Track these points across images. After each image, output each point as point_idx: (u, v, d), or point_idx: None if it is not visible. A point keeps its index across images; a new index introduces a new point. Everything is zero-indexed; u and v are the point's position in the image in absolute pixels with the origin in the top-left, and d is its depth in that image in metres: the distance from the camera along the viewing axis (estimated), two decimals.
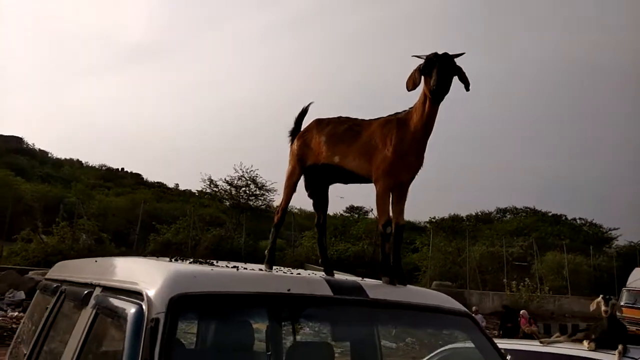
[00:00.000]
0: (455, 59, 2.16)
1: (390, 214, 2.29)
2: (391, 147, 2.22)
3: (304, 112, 2.73)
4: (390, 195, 2.31)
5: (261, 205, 25.60)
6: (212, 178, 24.94)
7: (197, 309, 1.60)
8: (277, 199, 25.43)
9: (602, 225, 32.70)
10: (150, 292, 1.49)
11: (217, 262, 2.35)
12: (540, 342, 4.07)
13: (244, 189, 24.76)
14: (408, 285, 2.28)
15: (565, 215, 34.78)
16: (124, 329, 1.48)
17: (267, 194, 24.92)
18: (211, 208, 26.98)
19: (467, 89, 2.20)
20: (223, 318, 1.75)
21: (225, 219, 25.22)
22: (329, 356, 2.50)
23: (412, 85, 2.22)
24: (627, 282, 19.82)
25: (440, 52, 2.15)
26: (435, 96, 2.10)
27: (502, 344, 4.54)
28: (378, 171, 2.25)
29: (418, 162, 2.29)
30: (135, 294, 1.56)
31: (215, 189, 25.68)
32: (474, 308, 14.61)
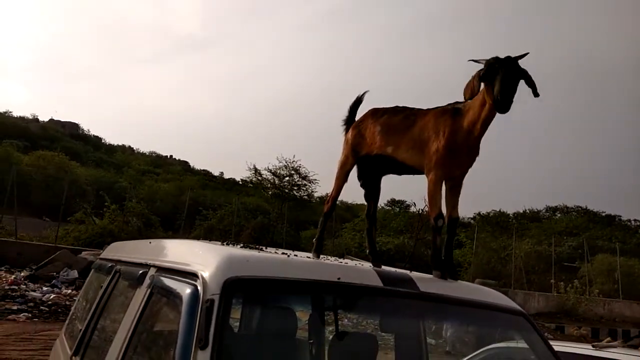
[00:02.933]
0: (520, 61, 2.00)
1: (444, 207, 2.24)
2: (444, 140, 2.15)
3: (358, 101, 2.68)
4: (443, 188, 2.25)
5: (303, 195, 25.81)
6: (257, 167, 25.35)
7: (249, 293, 1.61)
8: (319, 190, 25.59)
9: None
10: (205, 273, 1.51)
11: (266, 248, 2.37)
12: (593, 346, 3.88)
13: (287, 178, 25.01)
14: (459, 281, 2.22)
15: (620, 216, 33.19)
16: (179, 309, 1.51)
17: (309, 184, 25.09)
18: (255, 197, 27.46)
19: (536, 94, 2.03)
20: (273, 303, 1.77)
21: (268, 208, 25.60)
22: (373, 347, 2.48)
23: (470, 94, 2.09)
24: None
25: (502, 56, 1.98)
26: (500, 107, 1.94)
27: (553, 346, 4.37)
28: (430, 163, 2.19)
29: (472, 156, 2.21)
30: (190, 275, 1.59)
31: (259, 177, 26.10)
32: None
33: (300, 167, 24.55)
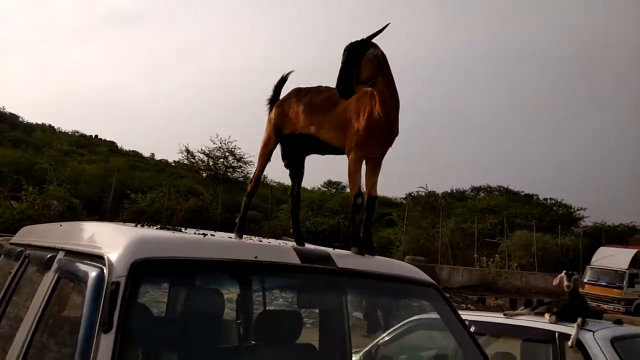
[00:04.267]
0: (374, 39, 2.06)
1: (364, 186, 2.30)
2: (364, 120, 2.21)
3: (283, 80, 2.68)
4: (364, 168, 2.31)
5: (239, 177, 25.46)
6: (189, 149, 24.61)
7: (161, 275, 1.58)
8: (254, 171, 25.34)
9: (571, 205, 33.70)
10: (112, 256, 1.46)
11: (186, 229, 2.32)
12: (504, 315, 4.20)
13: (221, 160, 24.53)
14: (377, 256, 2.30)
15: (537, 195, 35.72)
16: (84, 292, 1.45)
17: (245, 166, 24.75)
18: (188, 179, 26.70)
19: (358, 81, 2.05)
20: (188, 284, 1.74)
21: (202, 190, 25.03)
22: (298, 324, 2.53)
23: None
24: (592, 261, 20.64)
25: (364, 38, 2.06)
26: (339, 93, 2.05)
27: (468, 315, 4.68)
28: (351, 143, 2.24)
29: (391, 136, 2.27)
30: (97, 258, 1.53)
31: (192, 159, 25.40)
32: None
33: (235, 148, 24.10)
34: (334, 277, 1.96)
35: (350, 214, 2.30)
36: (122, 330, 1.28)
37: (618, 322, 4.22)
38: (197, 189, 25.41)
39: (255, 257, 1.73)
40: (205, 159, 24.74)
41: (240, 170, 25.00)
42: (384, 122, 2.18)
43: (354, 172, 2.23)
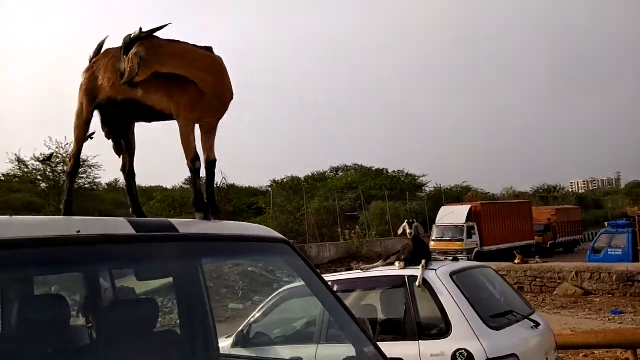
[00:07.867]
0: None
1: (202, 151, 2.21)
2: (192, 84, 2.09)
3: (99, 48, 2.42)
4: (199, 132, 2.23)
5: (85, 184, 23.11)
6: (20, 157, 21.58)
7: None
8: (104, 176, 23.23)
9: (415, 174, 37.37)
10: None
11: None
12: (361, 270, 4.49)
13: (61, 166, 21.97)
14: (225, 221, 2.24)
15: (387, 169, 38.88)
16: None
17: (91, 170, 22.52)
18: (22, 193, 23.45)
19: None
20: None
21: (43, 203, 22.19)
22: (154, 311, 2.36)
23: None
24: (436, 220, 23.19)
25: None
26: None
27: (329, 277, 4.91)
28: (179, 106, 2.12)
29: (222, 101, 2.20)
30: None
31: (25, 169, 22.35)
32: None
33: None
34: (177, 243, 1.84)
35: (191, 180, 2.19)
36: None
37: (455, 259, 4.80)
38: (35, 202, 22.46)
39: (78, 232, 1.54)
40: (42, 167, 21.97)
41: (85, 176, 22.71)
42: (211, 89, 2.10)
43: (186, 136, 2.12)
